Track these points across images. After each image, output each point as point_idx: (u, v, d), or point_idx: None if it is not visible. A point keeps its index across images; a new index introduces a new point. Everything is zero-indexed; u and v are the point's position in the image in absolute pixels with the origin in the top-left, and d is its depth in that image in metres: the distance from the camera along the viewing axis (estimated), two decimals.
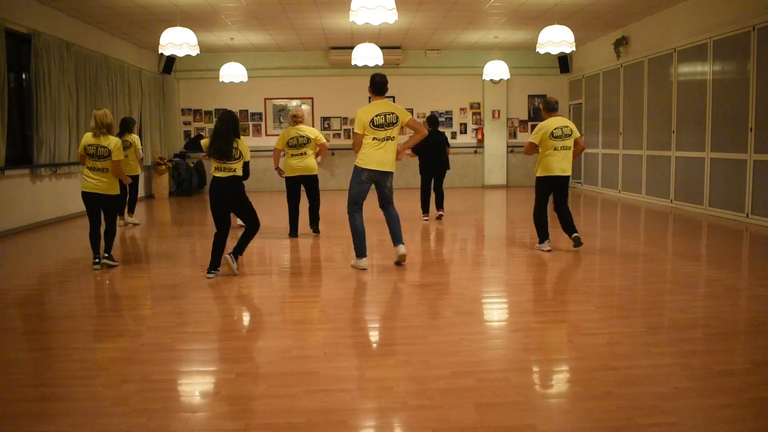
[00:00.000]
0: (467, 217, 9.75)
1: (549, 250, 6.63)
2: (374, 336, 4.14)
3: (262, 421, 2.78)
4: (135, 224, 9.13)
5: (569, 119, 6.67)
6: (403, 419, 2.82)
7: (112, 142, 5.95)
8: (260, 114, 14.74)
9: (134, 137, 8.61)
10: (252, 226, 5.72)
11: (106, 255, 6.12)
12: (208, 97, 14.65)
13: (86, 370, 3.40)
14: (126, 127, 8.48)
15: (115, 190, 6.12)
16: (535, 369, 3.48)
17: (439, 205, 9.31)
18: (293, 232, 7.79)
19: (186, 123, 14.78)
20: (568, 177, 6.62)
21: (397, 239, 5.93)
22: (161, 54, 11.55)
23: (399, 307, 4.76)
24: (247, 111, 14.73)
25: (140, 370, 3.44)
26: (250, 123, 14.79)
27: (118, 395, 3.07)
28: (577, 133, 6.58)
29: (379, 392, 3.12)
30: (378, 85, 5.87)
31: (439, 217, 9.23)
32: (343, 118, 14.75)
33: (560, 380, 3.33)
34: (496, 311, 4.80)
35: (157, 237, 8.47)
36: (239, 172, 5.61)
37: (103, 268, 6.07)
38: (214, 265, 5.61)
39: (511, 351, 3.76)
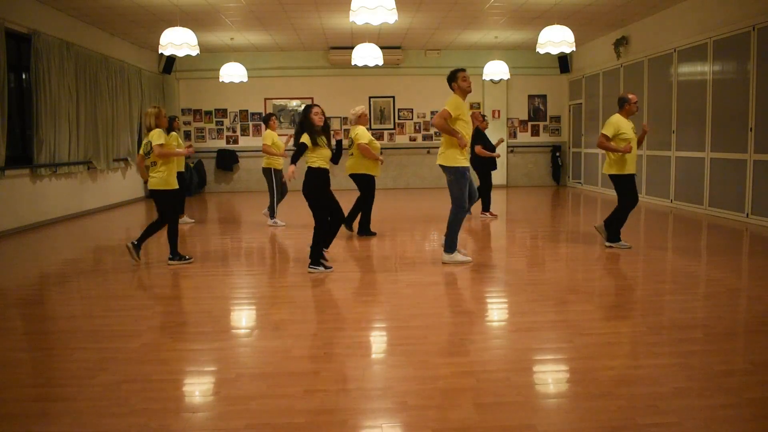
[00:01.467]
0: (467, 217, 9.74)
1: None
2: (374, 336, 4.14)
3: (262, 421, 2.78)
4: (189, 222, 9.27)
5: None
6: (403, 419, 2.82)
7: (152, 134, 6.17)
8: (260, 114, 14.73)
9: (175, 135, 8.62)
10: (316, 224, 5.77)
11: (170, 257, 6.23)
12: (208, 97, 14.67)
13: (86, 370, 3.40)
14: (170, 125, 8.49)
15: (168, 185, 6.19)
16: (535, 369, 3.48)
17: (485, 207, 9.57)
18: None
19: (186, 123, 14.78)
20: (608, 174, 6.72)
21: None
22: (161, 54, 11.52)
23: (399, 307, 4.76)
24: (247, 111, 14.74)
25: (140, 370, 3.44)
26: (251, 123, 14.82)
27: (118, 395, 3.06)
28: (602, 130, 6.63)
29: (379, 392, 3.12)
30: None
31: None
32: (343, 118, 14.73)
33: (560, 380, 3.33)
34: (495, 311, 4.80)
35: (157, 237, 8.45)
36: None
37: (175, 265, 6.18)
38: (316, 259, 5.77)
39: (511, 351, 3.76)
